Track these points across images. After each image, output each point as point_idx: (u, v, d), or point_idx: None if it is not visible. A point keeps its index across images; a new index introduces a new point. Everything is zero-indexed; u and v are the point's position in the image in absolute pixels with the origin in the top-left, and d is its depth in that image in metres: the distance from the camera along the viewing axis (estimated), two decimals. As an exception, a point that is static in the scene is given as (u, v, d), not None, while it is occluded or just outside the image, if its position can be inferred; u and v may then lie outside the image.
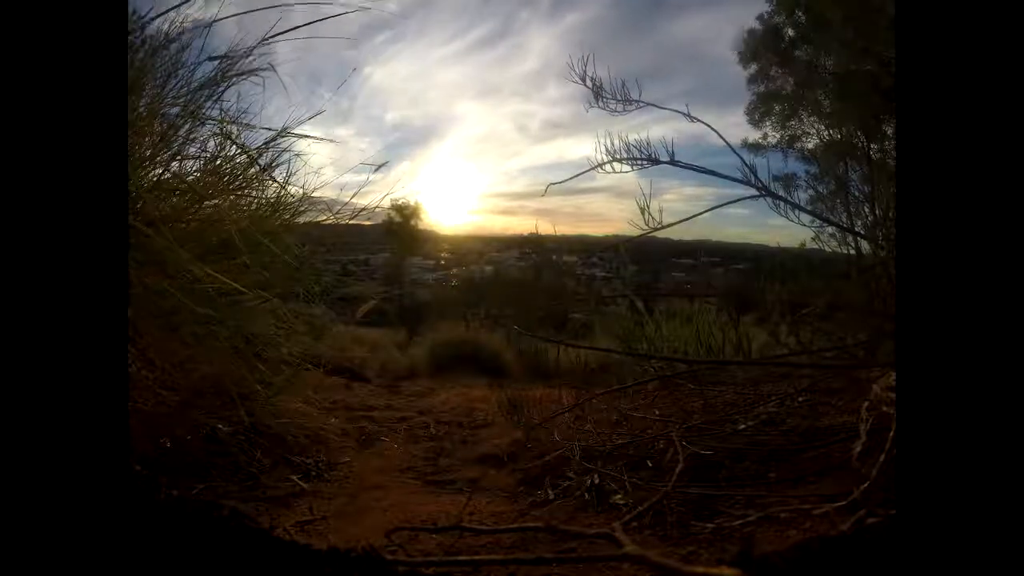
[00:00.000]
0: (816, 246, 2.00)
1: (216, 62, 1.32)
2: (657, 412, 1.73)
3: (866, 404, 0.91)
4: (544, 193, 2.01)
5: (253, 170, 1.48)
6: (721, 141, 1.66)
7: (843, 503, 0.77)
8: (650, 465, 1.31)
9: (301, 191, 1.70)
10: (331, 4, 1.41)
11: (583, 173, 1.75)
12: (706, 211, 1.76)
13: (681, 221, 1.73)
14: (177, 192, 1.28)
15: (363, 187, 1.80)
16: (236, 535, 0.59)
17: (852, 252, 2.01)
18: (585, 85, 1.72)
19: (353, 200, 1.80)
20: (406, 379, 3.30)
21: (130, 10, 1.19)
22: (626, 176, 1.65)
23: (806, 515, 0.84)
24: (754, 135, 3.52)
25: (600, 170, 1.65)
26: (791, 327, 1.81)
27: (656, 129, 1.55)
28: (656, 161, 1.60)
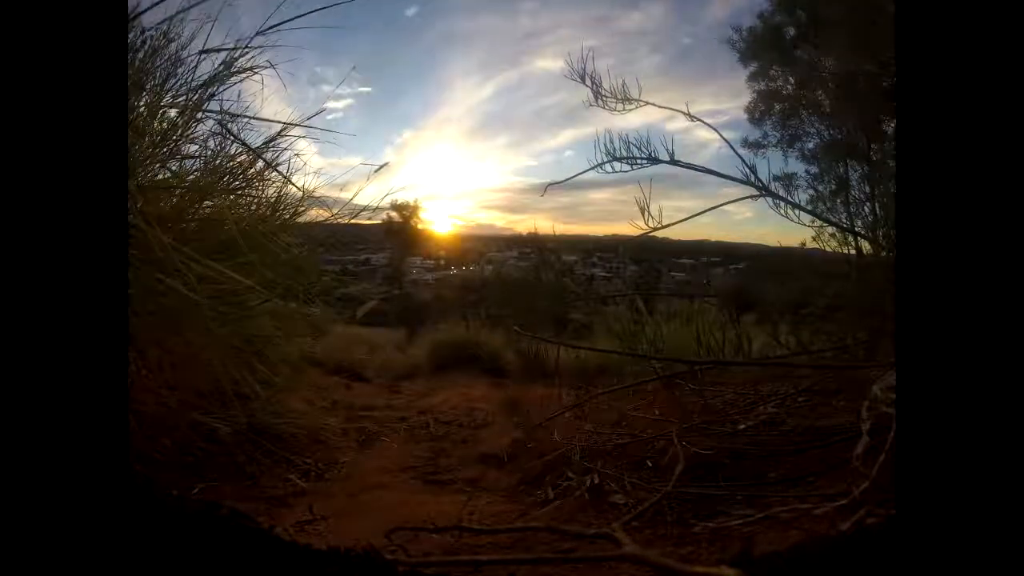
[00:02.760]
0: (816, 246, 2.00)
1: (213, 57, 1.31)
2: (657, 412, 1.73)
3: (866, 404, 0.91)
4: (543, 193, 2.00)
5: (254, 169, 1.48)
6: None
7: (843, 503, 0.77)
8: (650, 465, 1.31)
9: (301, 190, 1.70)
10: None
11: (583, 173, 1.75)
12: (705, 211, 1.76)
13: (681, 221, 1.73)
14: (177, 191, 1.27)
15: (362, 188, 1.80)
16: (236, 535, 0.59)
17: (852, 252, 2.02)
18: (584, 84, 1.72)
19: (353, 199, 1.80)
20: (406, 379, 3.30)
21: (130, 9, 1.19)
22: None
23: (806, 515, 0.84)
24: (754, 134, 3.51)
25: (600, 169, 1.65)
26: (791, 327, 1.81)
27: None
28: (656, 160, 1.60)
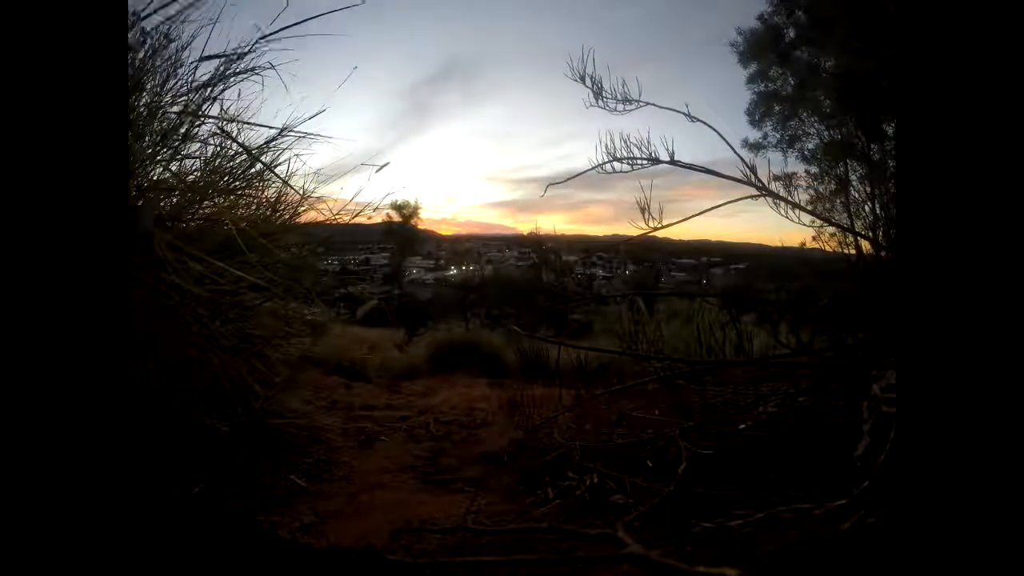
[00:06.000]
0: (816, 246, 2.00)
1: (215, 61, 1.32)
2: (657, 412, 1.73)
3: (866, 404, 0.91)
4: (543, 194, 2.01)
5: (254, 169, 1.48)
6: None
7: (843, 503, 0.77)
8: (650, 465, 1.31)
9: (300, 193, 1.70)
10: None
11: (583, 173, 1.75)
12: (705, 211, 1.76)
13: (681, 221, 1.73)
14: (177, 192, 1.27)
15: (363, 188, 1.80)
16: (237, 534, 0.59)
17: (852, 252, 2.02)
18: (585, 84, 1.72)
19: (353, 199, 1.79)
20: (406, 379, 3.30)
21: (130, 9, 1.19)
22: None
23: (806, 515, 0.84)
24: (754, 135, 3.52)
25: (600, 170, 1.65)
26: (791, 327, 1.81)
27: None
28: (656, 160, 1.60)
